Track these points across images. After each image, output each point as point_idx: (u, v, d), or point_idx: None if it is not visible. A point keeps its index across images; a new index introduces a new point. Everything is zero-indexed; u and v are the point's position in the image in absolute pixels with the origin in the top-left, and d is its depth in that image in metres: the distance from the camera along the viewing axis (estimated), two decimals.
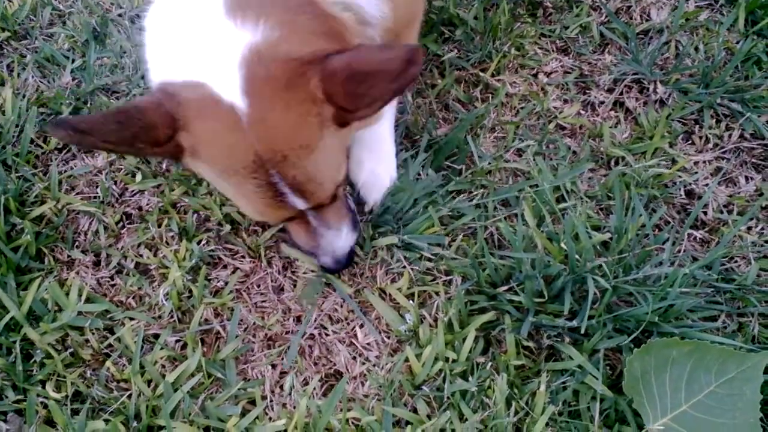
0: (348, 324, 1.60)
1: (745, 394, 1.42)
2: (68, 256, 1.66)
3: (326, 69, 1.15)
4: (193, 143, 1.20)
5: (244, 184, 1.23)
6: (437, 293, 1.61)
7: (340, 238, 1.48)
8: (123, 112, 1.15)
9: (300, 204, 1.29)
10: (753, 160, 1.90)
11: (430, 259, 1.65)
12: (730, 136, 1.92)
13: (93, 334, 1.53)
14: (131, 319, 1.56)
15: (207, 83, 1.16)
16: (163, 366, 1.52)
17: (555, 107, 1.99)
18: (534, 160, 1.83)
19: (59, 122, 1.13)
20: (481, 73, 2.03)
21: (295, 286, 1.64)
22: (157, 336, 1.55)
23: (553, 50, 2.13)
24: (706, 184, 1.84)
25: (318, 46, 1.19)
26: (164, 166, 1.78)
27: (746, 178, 1.87)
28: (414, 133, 1.85)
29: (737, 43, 2.09)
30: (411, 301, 1.59)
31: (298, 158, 1.21)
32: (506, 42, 2.09)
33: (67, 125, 1.11)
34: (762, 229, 1.76)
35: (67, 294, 1.57)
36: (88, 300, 1.57)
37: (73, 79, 1.96)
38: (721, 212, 1.79)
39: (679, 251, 1.70)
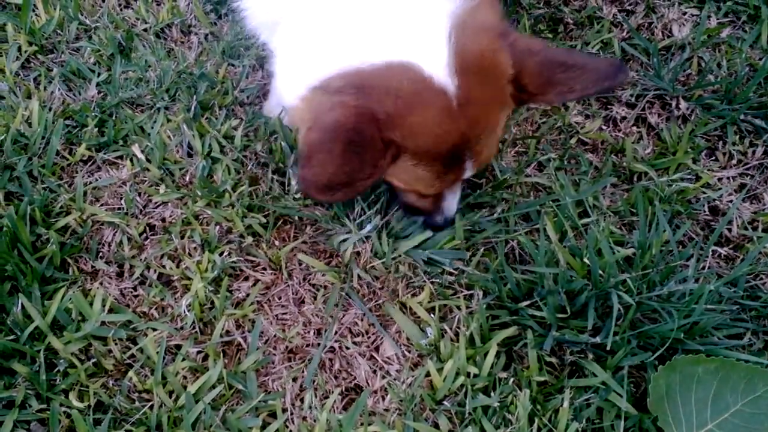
0: (369, 338, 1.60)
1: None
2: (92, 266, 1.67)
3: (517, 46, 1.08)
4: (401, 139, 1.11)
5: (434, 166, 1.19)
6: (458, 307, 1.60)
7: (456, 201, 1.52)
8: (344, 144, 1.04)
9: (467, 174, 1.28)
10: None
11: (451, 273, 1.65)
12: (754, 152, 1.91)
13: (116, 344, 1.54)
14: (154, 329, 1.57)
15: (415, 63, 1.04)
16: (185, 377, 1.52)
17: (576, 122, 1.98)
18: (555, 174, 1.82)
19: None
20: None
21: (315, 298, 1.64)
22: (179, 347, 1.56)
23: None
24: (731, 201, 1.82)
25: (495, 17, 1.12)
26: (187, 178, 1.80)
27: None
28: None
29: (760, 59, 2.08)
30: (432, 315, 1.59)
31: (488, 136, 1.18)
32: None
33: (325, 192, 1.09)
34: None
35: (91, 304, 1.58)
36: (111, 310, 1.58)
37: (99, 92, 1.99)
38: (746, 229, 1.78)
39: (703, 268, 1.69)
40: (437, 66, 1.05)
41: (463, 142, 1.16)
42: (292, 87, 1.24)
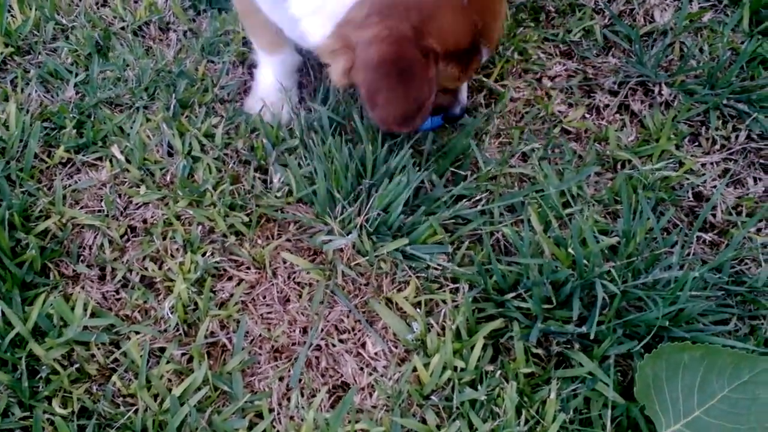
0: (355, 334, 1.59)
1: (759, 398, 1.40)
2: (73, 270, 1.65)
3: None
4: (433, 45, 1.28)
5: (461, 60, 1.37)
6: (444, 301, 1.59)
7: (466, 88, 1.70)
8: (398, 76, 1.24)
9: (485, 59, 1.46)
10: (761, 161, 1.88)
11: (436, 268, 1.64)
12: (737, 137, 1.91)
13: (99, 348, 1.52)
14: (137, 332, 1.55)
15: None
16: (170, 380, 1.50)
17: (559, 111, 1.97)
18: (539, 164, 1.81)
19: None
20: (484, 79, 2.02)
21: (300, 296, 1.63)
22: (163, 350, 1.54)
23: (556, 54, 2.12)
24: (714, 186, 1.82)
25: None
26: (168, 178, 1.78)
27: (754, 179, 1.85)
28: (418, 140, 1.84)
29: (742, 43, 2.07)
30: (418, 310, 1.58)
31: (496, 21, 1.39)
32: (509, 47, 2.08)
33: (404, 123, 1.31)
34: None
35: (73, 309, 1.56)
36: (93, 314, 1.56)
37: (77, 93, 1.96)
38: (730, 214, 1.77)
39: (688, 254, 1.68)
40: None
41: (478, 32, 1.34)
42: (317, 27, 1.36)
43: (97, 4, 2.22)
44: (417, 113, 1.33)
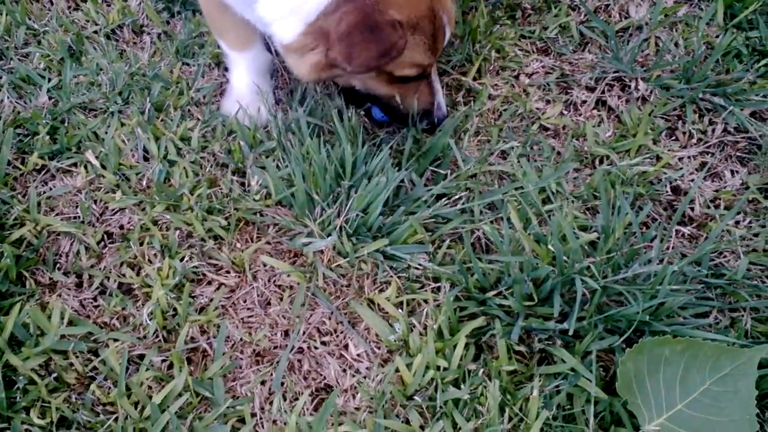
0: (337, 336, 1.58)
1: (740, 391, 1.40)
2: (50, 278, 1.63)
3: None
4: (397, 15, 1.42)
5: (425, 30, 1.51)
6: (426, 301, 1.59)
7: (442, 95, 1.76)
8: (367, 32, 1.39)
9: (448, 34, 1.59)
10: (737, 154, 1.89)
11: (417, 267, 1.63)
12: (713, 130, 1.92)
13: (77, 357, 1.50)
14: (115, 340, 1.53)
15: None
16: (150, 387, 1.48)
17: (537, 108, 1.98)
18: (518, 161, 1.82)
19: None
20: (462, 77, 2.02)
21: (281, 299, 1.61)
22: (142, 357, 1.52)
23: (533, 51, 2.12)
24: (692, 180, 1.83)
25: None
26: (144, 182, 1.75)
27: (731, 171, 1.86)
28: (397, 141, 1.83)
29: (717, 37, 2.09)
30: (400, 310, 1.57)
31: None
32: (486, 45, 2.08)
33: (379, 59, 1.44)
34: (750, 222, 1.76)
35: (49, 317, 1.53)
36: (70, 323, 1.54)
37: (50, 99, 1.93)
38: (708, 207, 1.79)
39: (667, 248, 1.69)
40: None
41: (431, 7, 1.49)
42: (289, 28, 1.48)
43: (69, 7, 2.19)
44: (392, 48, 1.43)
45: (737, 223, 1.76)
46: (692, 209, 1.79)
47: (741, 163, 1.88)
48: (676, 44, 2.07)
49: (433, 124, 1.77)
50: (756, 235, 1.71)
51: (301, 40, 1.48)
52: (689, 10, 2.19)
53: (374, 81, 1.65)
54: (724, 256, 1.70)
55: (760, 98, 1.93)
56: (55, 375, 1.47)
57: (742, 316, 1.60)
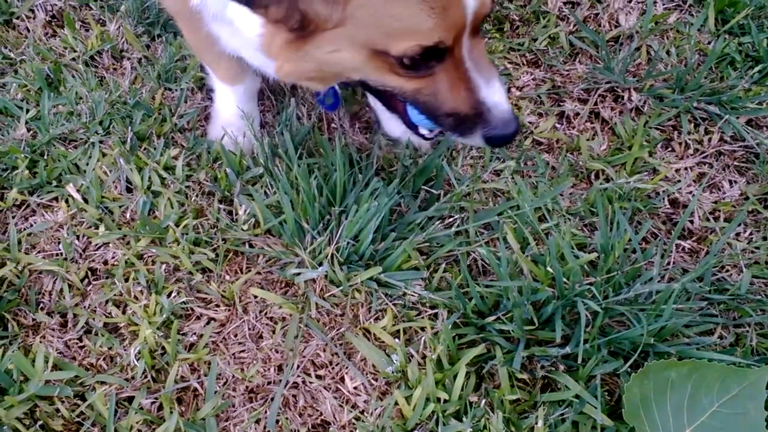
0: (332, 369, 1.52)
1: (749, 412, 1.37)
2: (33, 319, 1.57)
3: None
4: None
5: None
6: (423, 329, 1.54)
7: (499, 86, 1.23)
8: None
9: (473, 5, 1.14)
10: (735, 163, 1.86)
11: (413, 294, 1.58)
12: (710, 140, 1.88)
13: (63, 402, 1.44)
14: (103, 383, 1.47)
15: None
16: (140, 431, 1.43)
17: (530, 122, 1.93)
18: (513, 179, 1.77)
19: None
20: None
21: (273, 332, 1.56)
22: (131, 399, 1.46)
23: (523, 63, 2.08)
24: (690, 192, 1.79)
25: None
26: (128, 215, 1.70)
27: (730, 182, 1.83)
28: (389, 164, 1.79)
29: (709, 43, 2.06)
30: (397, 339, 1.52)
31: None
32: None
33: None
34: (750, 234, 1.72)
35: (33, 362, 1.47)
36: (55, 366, 1.48)
37: (29, 131, 1.87)
38: (708, 220, 1.75)
39: (668, 264, 1.65)
40: None
41: None
42: (251, 21, 1.26)
43: (46, 34, 2.13)
44: None
45: (738, 235, 1.72)
46: (692, 222, 1.75)
47: (739, 172, 1.85)
48: (668, 52, 2.04)
49: (498, 137, 1.27)
50: (758, 248, 1.67)
51: (266, 32, 1.26)
52: (680, 16, 2.16)
53: (377, 71, 1.24)
54: (727, 271, 1.66)
55: (756, 105, 1.90)
56: (40, 423, 1.41)
57: (747, 331, 1.56)
